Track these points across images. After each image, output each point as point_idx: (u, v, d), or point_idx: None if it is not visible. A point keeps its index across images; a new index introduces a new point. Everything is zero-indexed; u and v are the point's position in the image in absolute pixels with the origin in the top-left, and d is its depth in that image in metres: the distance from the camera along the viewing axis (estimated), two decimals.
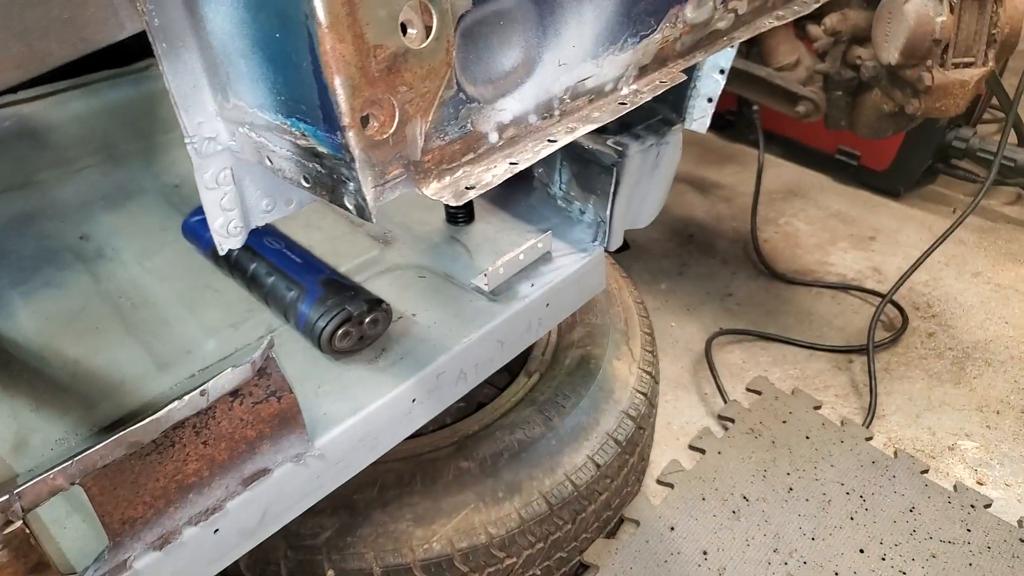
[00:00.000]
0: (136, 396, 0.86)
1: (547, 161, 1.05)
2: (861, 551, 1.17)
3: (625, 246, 1.96)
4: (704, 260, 1.92)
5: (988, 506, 1.25)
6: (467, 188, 0.52)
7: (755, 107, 1.85)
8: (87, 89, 1.17)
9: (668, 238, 2.01)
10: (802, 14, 0.80)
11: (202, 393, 0.64)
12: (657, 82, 0.63)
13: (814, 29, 1.55)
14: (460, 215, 1.06)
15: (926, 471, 1.32)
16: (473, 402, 1.25)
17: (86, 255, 1.06)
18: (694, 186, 2.23)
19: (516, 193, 1.10)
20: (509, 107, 0.55)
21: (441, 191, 0.51)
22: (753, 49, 1.66)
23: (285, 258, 0.91)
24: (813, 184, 2.22)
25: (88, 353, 0.90)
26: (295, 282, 0.87)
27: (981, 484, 1.33)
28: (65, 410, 0.82)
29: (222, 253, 0.60)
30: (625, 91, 0.62)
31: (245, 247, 0.93)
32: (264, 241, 0.94)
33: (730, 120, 2.40)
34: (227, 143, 0.56)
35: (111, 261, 1.05)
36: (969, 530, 1.20)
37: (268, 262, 0.91)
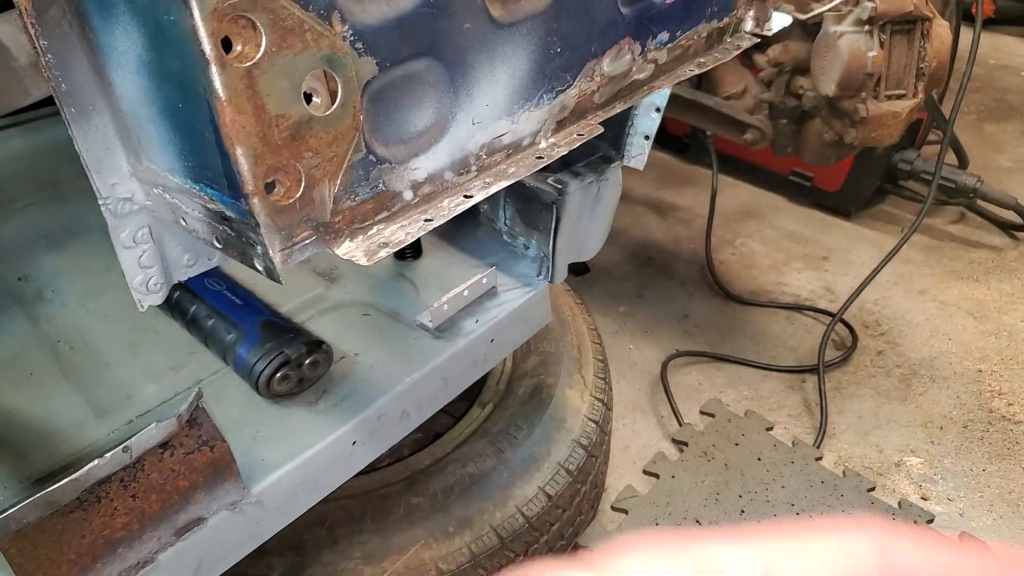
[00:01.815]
0: (72, 445, 0.84)
1: (492, 198, 1.07)
2: None
3: (585, 269, 1.99)
4: (662, 282, 1.96)
5: (931, 521, 1.28)
6: (380, 246, 0.53)
7: (708, 132, 1.91)
8: (27, 127, 1.16)
9: (627, 261, 2.04)
10: (724, 61, 0.84)
11: (125, 450, 0.63)
12: (575, 135, 0.65)
13: (759, 59, 1.60)
14: (408, 251, 1.07)
15: (872, 489, 1.35)
16: (430, 433, 1.25)
17: (25, 297, 1.04)
18: (653, 209, 2.27)
19: (464, 228, 1.12)
20: (423, 165, 0.56)
21: (353, 251, 0.52)
22: (702, 79, 1.71)
23: (225, 300, 0.91)
24: (768, 205, 2.29)
25: (22, 401, 0.88)
26: (234, 324, 0.87)
27: (925, 499, 1.36)
28: None
29: (142, 311, 0.60)
30: (543, 144, 0.64)
31: (186, 289, 0.93)
32: (205, 282, 0.94)
33: (687, 143, 2.46)
34: (143, 203, 0.56)
35: (51, 303, 1.03)
36: None
37: (208, 304, 0.90)
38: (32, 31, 0.47)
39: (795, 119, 1.62)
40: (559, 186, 0.95)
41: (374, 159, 0.52)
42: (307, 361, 0.84)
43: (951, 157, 2.02)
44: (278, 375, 0.82)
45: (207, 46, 0.41)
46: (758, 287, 1.93)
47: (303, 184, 0.48)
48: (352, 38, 0.48)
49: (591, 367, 1.28)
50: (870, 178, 2.15)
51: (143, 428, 0.64)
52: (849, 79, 1.39)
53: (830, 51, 1.39)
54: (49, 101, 1.22)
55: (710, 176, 1.97)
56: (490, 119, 0.59)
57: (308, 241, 0.50)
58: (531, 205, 1.00)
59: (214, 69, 0.42)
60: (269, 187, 0.47)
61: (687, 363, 1.69)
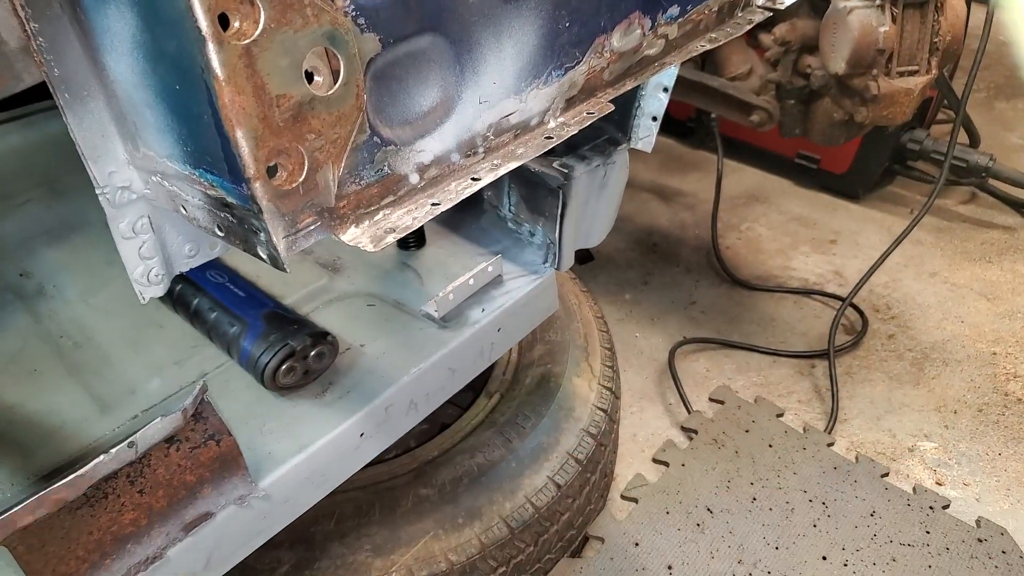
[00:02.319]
0: (76, 441, 0.83)
1: (495, 184, 1.05)
2: (824, 558, 1.18)
3: (589, 257, 1.97)
4: (668, 269, 1.94)
5: (946, 507, 1.27)
6: (387, 232, 0.51)
7: (713, 115, 1.88)
8: (25, 121, 1.14)
9: (632, 248, 2.02)
10: (736, 36, 0.81)
11: (130, 445, 0.62)
12: (584, 114, 0.63)
13: (765, 38, 1.57)
14: (411, 240, 1.05)
15: (886, 474, 1.34)
16: (437, 423, 1.24)
17: (26, 293, 1.03)
18: (657, 194, 2.24)
19: (467, 216, 1.10)
20: (429, 147, 0.54)
21: (359, 237, 0.50)
22: (707, 60, 1.68)
23: (228, 292, 0.89)
24: (774, 188, 2.26)
25: (26, 397, 0.87)
26: (237, 317, 0.85)
27: (940, 484, 1.35)
28: (0, 460, 0.79)
29: (143, 303, 0.58)
30: (552, 124, 0.62)
31: (188, 281, 0.92)
32: (208, 275, 0.92)
33: (691, 127, 2.43)
34: (142, 191, 0.54)
35: (53, 299, 1.02)
36: (928, 532, 1.22)
37: (211, 297, 0.89)
38: (22, 13, 0.45)
39: (803, 99, 1.59)
40: (565, 170, 0.93)
41: (379, 141, 0.50)
42: (312, 353, 0.82)
43: (962, 136, 1.99)
44: (283, 367, 0.81)
45: (203, 23, 0.39)
46: (765, 272, 1.91)
47: (306, 167, 0.47)
48: (354, 13, 0.46)
49: (598, 355, 1.27)
50: (878, 159, 2.12)
51: (148, 423, 0.63)
52: (860, 56, 1.35)
53: (840, 27, 1.36)
54: (44, 92, 1.20)
55: (715, 160, 1.94)
56: (497, 98, 0.57)
57: (313, 227, 0.48)
58: (536, 190, 0.98)
59: (211, 47, 0.40)
60: (271, 171, 0.45)
61: (695, 350, 1.67)
